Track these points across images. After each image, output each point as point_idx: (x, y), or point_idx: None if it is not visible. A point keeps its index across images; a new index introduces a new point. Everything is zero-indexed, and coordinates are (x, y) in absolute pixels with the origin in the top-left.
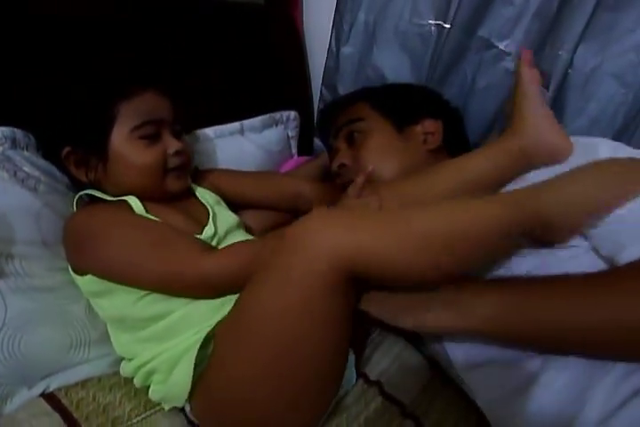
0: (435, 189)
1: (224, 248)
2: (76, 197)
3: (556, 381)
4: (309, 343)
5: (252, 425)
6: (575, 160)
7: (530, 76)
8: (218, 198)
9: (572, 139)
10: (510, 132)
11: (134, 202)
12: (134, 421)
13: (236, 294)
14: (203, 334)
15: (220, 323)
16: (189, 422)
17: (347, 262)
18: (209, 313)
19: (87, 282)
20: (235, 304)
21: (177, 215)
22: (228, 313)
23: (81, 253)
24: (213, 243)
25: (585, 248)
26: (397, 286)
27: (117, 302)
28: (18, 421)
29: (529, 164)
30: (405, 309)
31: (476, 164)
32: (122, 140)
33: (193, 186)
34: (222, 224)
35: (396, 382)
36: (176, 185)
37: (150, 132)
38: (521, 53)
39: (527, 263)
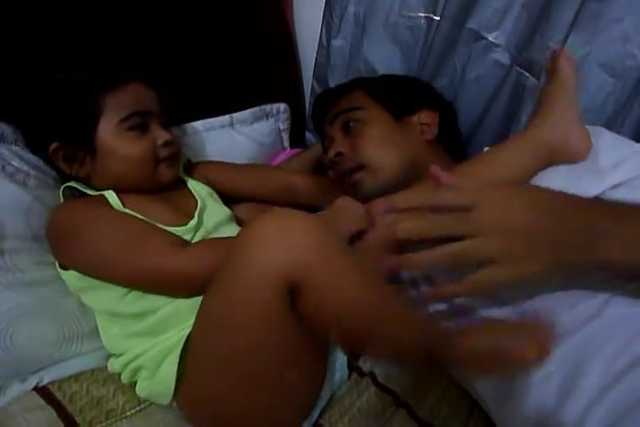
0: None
1: (198, 244)
2: (61, 189)
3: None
4: (258, 350)
5: (231, 421)
6: None
7: (570, 72)
8: (211, 191)
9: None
10: (536, 125)
11: (111, 197)
12: (128, 413)
13: None
14: (186, 332)
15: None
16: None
17: (288, 279)
18: (195, 310)
19: (70, 277)
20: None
21: (159, 208)
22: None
23: (60, 250)
24: (198, 236)
25: None
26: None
27: (102, 297)
28: (11, 414)
29: (551, 160)
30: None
31: (503, 163)
32: (110, 133)
33: (186, 178)
34: (210, 217)
35: (390, 372)
36: (168, 175)
37: (138, 124)
38: (556, 49)
39: None
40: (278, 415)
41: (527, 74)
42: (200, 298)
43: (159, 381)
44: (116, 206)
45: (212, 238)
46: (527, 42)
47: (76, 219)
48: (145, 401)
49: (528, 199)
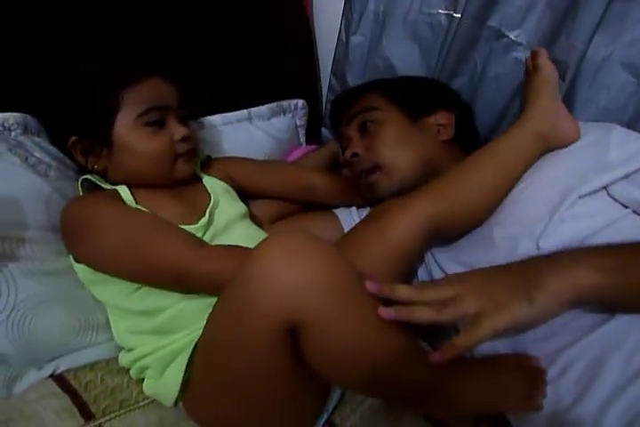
0: (476, 187)
1: (216, 247)
2: (79, 181)
3: (570, 357)
4: (256, 379)
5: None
6: (588, 138)
7: (551, 68)
8: (228, 188)
9: (588, 123)
10: (528, 117)
11: (124, 192)
12: (141, 404)
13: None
14: (194, 336)
15: None
16: None
17: (289, 320)
18: (202, 312)
19: (81, 270)
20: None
21: (171, 205)
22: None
23: (72, 243)
24: (209, 233)
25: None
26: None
27: (111, 291)
28: (27, 401)
29: (546, 147)
30: (530, 292)
31: (506, 151)
32: (127, 128)
33: (202, 174)
34: (222, 215)
35: None
36: (184, 171)
37: (155, 119)
38: (535, 49)
39: None
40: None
41: None
42: (207, 299)
43: (164, 384)
44: (127, 202)
45: (229, 246)
46: (550, 41)
47: (86, 213)
48: None
49: (484, 274)
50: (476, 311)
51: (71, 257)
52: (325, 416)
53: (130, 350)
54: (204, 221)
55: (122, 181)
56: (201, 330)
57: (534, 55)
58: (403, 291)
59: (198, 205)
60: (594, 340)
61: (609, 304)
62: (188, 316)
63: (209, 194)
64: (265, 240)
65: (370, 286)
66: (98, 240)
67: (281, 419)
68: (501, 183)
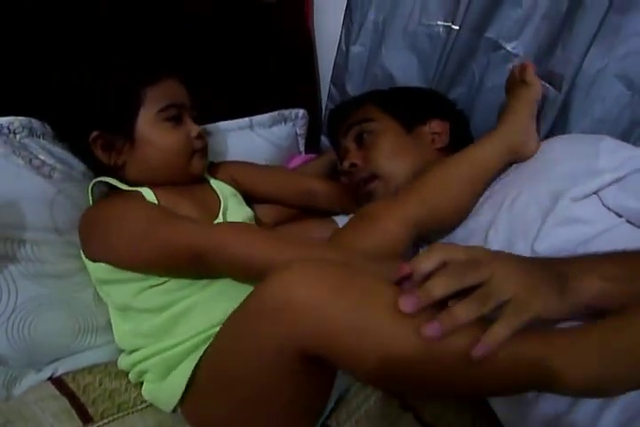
0: (451, 189)
1: (221, 224)
2: (91, 183)
3: None
4: (261, 404)
5: None
6: (579, 147)
7: (539, 85)
8: (234, 191)
9: (579, 135)
10: (506, 130)
11: (147, 193)
12: (139, 407)
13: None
14: (195, 341)
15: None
16: None
17: (305, 351)
18: (209, 310)
19: (98, 269)
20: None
21: (189, 205)
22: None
23: (90, 241)
24: None
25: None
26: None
27: (122, 290)
28: (26, 403)
29: (509, 160)
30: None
31: (480, 159)
32: (148, 122)
33: (209, 177)
34: (232, 217)
35: None
36: (199, 167)
37: (174, 115)
38: (525, 64)
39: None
40: None
41: (547, 85)
42: (208, 302)
43: (166, 389)
44: (150, 201)
45: (235, 222)
46: (547, 53)
47: (112, 210)
48: None
49: (515, 258)
50: (512, 297)
51: (84, 258)
52: (321, 419)
53: (130, 353)
54: (217, 222)
55: (139, 177)
56: (202, 335)
57: (523, 70)
58: (439, 289)
59: (210, 206)
60: None
61: (608, 311)
62: (192, 316)
63: (218, 196)
64: (277, 270)
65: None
66: (114, 233)
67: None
68: (472, 189)
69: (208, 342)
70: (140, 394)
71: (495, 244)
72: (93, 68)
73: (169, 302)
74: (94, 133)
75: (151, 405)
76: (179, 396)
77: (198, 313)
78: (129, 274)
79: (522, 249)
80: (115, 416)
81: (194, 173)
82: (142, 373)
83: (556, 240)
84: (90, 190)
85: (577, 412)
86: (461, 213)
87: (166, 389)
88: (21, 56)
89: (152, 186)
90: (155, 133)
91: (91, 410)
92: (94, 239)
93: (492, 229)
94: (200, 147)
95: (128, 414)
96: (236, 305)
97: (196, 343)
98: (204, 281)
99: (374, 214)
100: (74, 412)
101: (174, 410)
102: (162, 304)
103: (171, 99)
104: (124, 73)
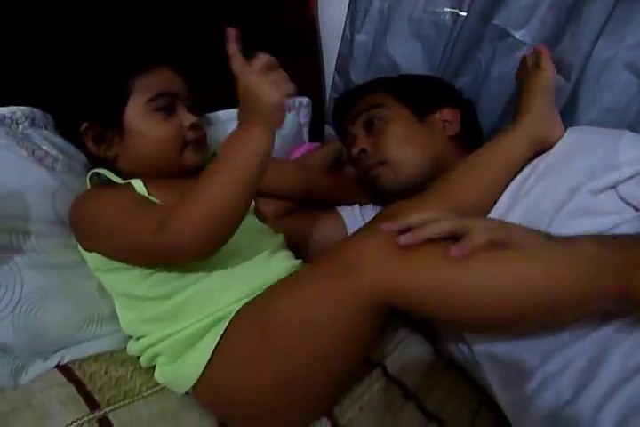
0: (477, 187)
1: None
2: (88, 175)
3: (571, 354)
4: (327, 361)
5: (248, 416)
6: (598, 141)
7: (554, 71)
8: None
9: (599, 128)
10: (527, 122)
11: (138, 185)
12: (145, 394)
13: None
14: (205, 322)
15: (240, 312)
16: None
17: (390, 296)
18: (214, 296)
19: (94, 258)
20: (265, 301)
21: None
22: (255, 308)
23: (81, 230)
24: None
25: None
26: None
27: (123, 279)
28: (33, 391)
29: (536, 151)
30: None
31: (503, 153)
32: (137, 113)
33: None
34: None
35: (400, 364)
36: (193, 159)
37: (164, 105)
38: (539, 49)
39: None
40: (303, 414)
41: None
42: (215, 284)
43: (181, 371)
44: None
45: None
46: (555, 41)
47: (99, 201)
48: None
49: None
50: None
51: (80, 248)
52: None
53: (138, 338)
54: None
55: (132, 169)
56: (219, 314)
57: (538, 55)
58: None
59: None
60: (595, 338)
61: None
62: (199, 301)
63: None
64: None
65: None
66: (96, 224)
67: (311, 401)
68: (497, 184)
69: (225, 320)
70: (145, 381)
71: None
72: (82, 59)
73: (174, 289)
74: (84, 125)
75: (156, 392)
76: (198, 375)
77: (209, 297)
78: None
79: None
80: (121, 403)
81: (187, 165)
82: (154, 356)
83: (570, 232)
84: (88, 181)
85: (580, 401)
86: (486, 209)
87: (183, 370)
88: (18, 47)
89: (145, 178)
90: (144, 124)
91: (97, 397)
92: (82, 229)
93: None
94: (194, 138)
95: (134, 401)
96: (253, 286)
97: (212, 322)
98: (213, 265)
99: (398, 214)
100: (81, 399)
101: (187, 392)
102: (167, 292)
103: (161, 88)
104: (111, 63)
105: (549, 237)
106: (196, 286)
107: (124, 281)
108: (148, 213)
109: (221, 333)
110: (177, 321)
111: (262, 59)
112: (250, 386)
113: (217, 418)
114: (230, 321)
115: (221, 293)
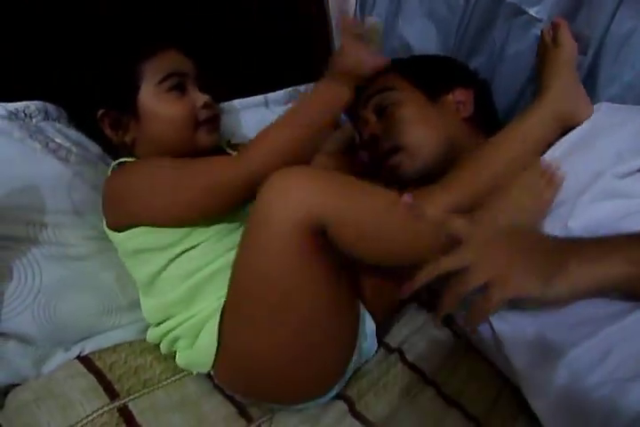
0: (502, 168)
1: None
2: (113, 164)
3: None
4: (297, 298)
5: (266, 386)
6: (624, 120)
7: (573, 44)
8: None
9: (622, 106)
10: (549, 99)
11: None
12: (164, 383)
13: None
14: (222, 302)
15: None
16: (216, 385)
17: (313, 221)
18: (227, 277)
19: (129, 238)
20: (234, 265)
21: None
22: (232, 275)
23: (124, 207)
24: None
25: None
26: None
27: (154, 260)
28: (55, 381)
29: (563, 128)
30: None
31: (527, 135)
32: (150, 95)
33: (233, 153)
34: None
35: (418, 350)
36: (207, 139)
37: (175, 84)
38: (557, 22)
39: None
40: (314, 376)
41: None
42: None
43: (199, 349)
44: None
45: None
46: (571, 16)
47: (139, 170)
48: (180, 372)
49: (509, 240)
50: (487, 282)
51: (110, 231)
52: (341, 387)
53: (157, 324)
54: None
55: (149, 153)
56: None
57: (556, 28)
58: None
59: None
60: (612, 331)
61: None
62: (213, 282)
63: None
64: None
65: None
66: (147, 189)
67: (317, 356)
68: (522, 166)
69: None
70: (164, 370)
71: None
72: (94, 49)
73: (196, 267)
74: (100, 111)
75: (175, 381)
76: (214, 349)
77: (223, 277)
78: (163, 239)
79: (554, 226)
80: (141, 393)
81: (202, 145)
82: (174, 341)
83: (595, 215)
84: (110, 172)
85: (604, 385)
86: None
87: (200, 348)
88: (30, 42)
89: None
90: (157, 105)
91: (117, 387)
92: (125, 203)
93: None
94: (207, 117)
95: (153, 389)
96: None
97: (222, 302)
98: (229, 244)
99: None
100: (101, 389)
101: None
102: (189, 271)
103: (170, 68)
104: (120, 49)
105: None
106: (217, 262)
107: (154, 262)
108: (209, 159)
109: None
110: (194, 303)
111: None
112: (259, 348)
113: (239, 396)
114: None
115: None
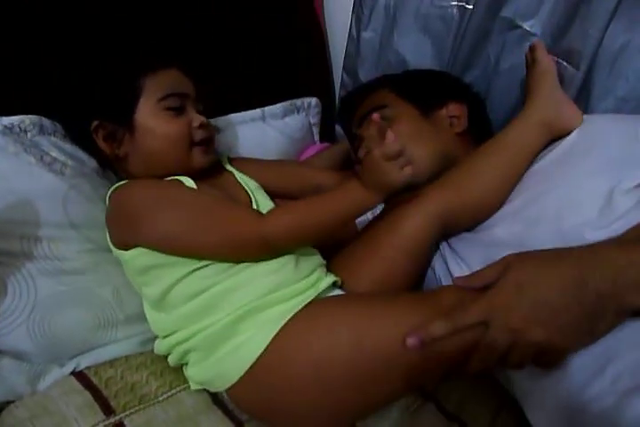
0: (491, 175)
1: (278, 208)
2: (115, 186)
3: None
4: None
5: (286, 417)
6: (619, 128)
7: (549, 59)
8: (257, 185)
9: (614, 115)
10: (531, 107)
11: (187, 180)
12: (160, 398)
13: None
14: (243, 311)
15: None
16: (214, 401)
17: None
18: (243, 290)
19: (137, 256)
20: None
21: (224, 197)
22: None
23: (135, 226)
24: None
25: None
26: None
27: (165, 277)
28: (51, 398)
29: (551, 135)
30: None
31: (513, 142)
32: (148, 111)
33: (233, 170)
34: (264, 211)
35: None
36: (202, 160)
37: (175, 105)
38: (533, 44)
39: None
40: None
41: (564, 63)
42: (243, 277)
43: (222, 368)
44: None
45: (290, 202)
46: (564, 30)
47: (155, 194)
48: (176, 387)
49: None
50: (512, 343)
51: (115, 248)
52: None
53: (166, 336)
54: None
55: (141, 170)
56: (246, 307)
57: (533, 50)
58: (438, 329)
59: (241, 199)
60: (627, 333)
61: None
62: (228, 295)
63: (245, 190)
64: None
65: (410, 341)
66: (170, 217)
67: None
68: (510, 173)
69: (259, 313)
70: (160, 386)
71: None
72: (93, 58)
73: (208, 285)
74: (95, 123)
75: (172, 396)
76: (242, 372)
77: (239, 290)
78: (172, 257)
79: (571, 239)
80: (137, 408)
81: (195, 166)
82: (185, 354)
83: (611, 229)
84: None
85: (605, 395)
86: (495, 203)
87: (224, 367)
88: (23, 49)
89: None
90: (154, 122)
91: (113, 403)
92: (138, 224)
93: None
94: (202, 138)
95: (150, 405)
96: (280, 277)
97: (244, 314)
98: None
99: (398, 204)
100: (97, 405)
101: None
102: (201, 288)
103: (172, 88)
104: (122, 62)
105: None
106: (225, 283)
107: (165, 280)
108: (236, 207)
109: (274, 333)
110: (207, 316)
111: (393, 145)
112: (294, 388)
113: (249, 416)
114: (287, 323)
115: (251, 285)
